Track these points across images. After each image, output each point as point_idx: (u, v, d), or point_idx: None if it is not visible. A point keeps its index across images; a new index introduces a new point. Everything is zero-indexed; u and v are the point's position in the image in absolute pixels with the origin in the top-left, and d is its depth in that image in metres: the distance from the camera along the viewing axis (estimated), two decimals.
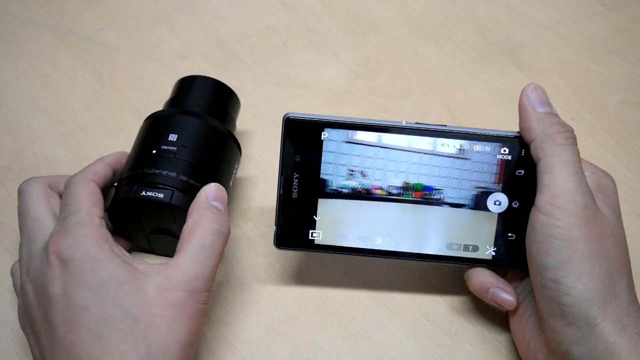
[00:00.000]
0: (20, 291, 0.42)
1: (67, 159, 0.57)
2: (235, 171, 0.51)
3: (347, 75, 0.65)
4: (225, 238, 0.42)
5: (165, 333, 0.38)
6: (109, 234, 0.41)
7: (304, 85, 0.64)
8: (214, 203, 0.43)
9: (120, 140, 0.58)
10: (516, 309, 0.45)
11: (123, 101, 0.61)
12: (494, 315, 0.48)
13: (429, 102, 0.63)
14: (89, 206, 0.41)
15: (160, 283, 0.39)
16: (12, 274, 0.44)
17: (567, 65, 0.66)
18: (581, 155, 0.45)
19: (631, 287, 0.40)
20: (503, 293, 0.44)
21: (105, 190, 0.45)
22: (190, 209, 0.43)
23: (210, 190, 0.43)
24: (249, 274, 0.50)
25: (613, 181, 0.44)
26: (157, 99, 0.56)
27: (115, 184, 0.48)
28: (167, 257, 0.50)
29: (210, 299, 0.49)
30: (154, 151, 0.46)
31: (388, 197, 0.45)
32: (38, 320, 0.39)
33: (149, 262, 0.40)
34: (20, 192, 0.45)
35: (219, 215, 0.42)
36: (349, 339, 0.47)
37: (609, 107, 0.62)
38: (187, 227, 0.41)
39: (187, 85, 0.53)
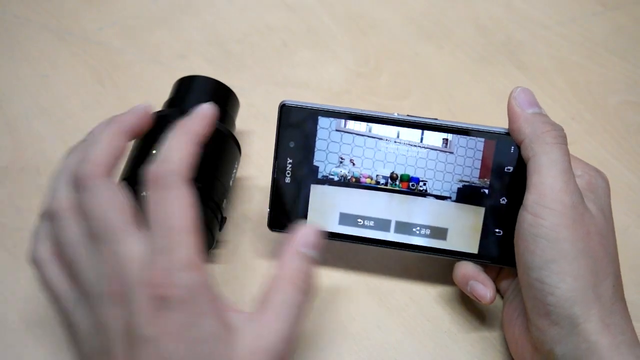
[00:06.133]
0: (64, 300, 0.36)
1: None
2: (235, 171, 0.51)
3: (347, 75, 0.65)
4: (311, 297, 0.37)
5: None
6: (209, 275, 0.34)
7: (304, 85, 0.64)
8: (309, 252, 0.37)
9: None
10: (508, 308, 0.45)
11: (123, 101, 0.61)
12: (493, 315, 0.48)
13: (429, 102, 0.63)
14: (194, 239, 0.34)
15: (252, 343, 0.34)
16: (38, 262, 0.37)
17: (567, 65, 0.66)
18: (581, 155, 0.45)
19: (617, 287, 0.40)
20: (480, 286, 0.44)
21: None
22: (282, 254, 0.37)
23: (305, 235, 0.38)
24: (249, 274, 0.50)
25: (606, 180, 0.44)
26: (157, 99, 0.56)
27: None
28: None
29: None
30: (154, 151, 0.46)
31: (376, 186, 0.46)
32: (118, 354, 0.34)
33: (236, 310, 0.35)
34: (89, 190, 0.36)
35: (308, 270, 0.37)
36: (349, 339, 0.47)
37: (609, 107, 0.62)
38: (276, 276, 0.36)
39: (186, 85, 0.53)
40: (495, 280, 0.47)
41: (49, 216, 0.37)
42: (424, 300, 0.49)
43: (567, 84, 0.64)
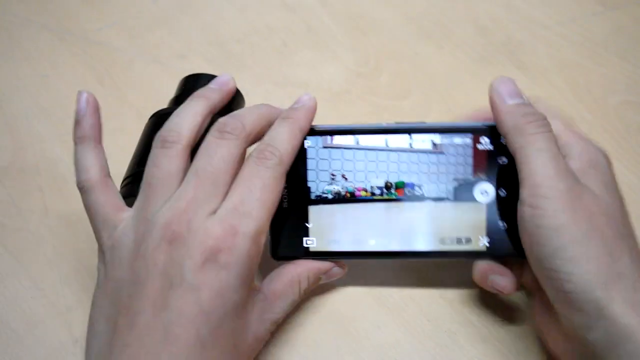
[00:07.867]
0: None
1: (67, 159, 0.57)
2: None
3: (347, 75, 0.65)
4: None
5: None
6: None
7: (304, 85, 0.64)
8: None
9: (120, 140, 0.58)
10: (538, 301, 0.44)
11: (123, 101, 0.61)
12: (494, 315, 0.48)
13: (429, 102, 0.63)
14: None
15: (256, 324, 0.42)
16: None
17: (567, 65, 0.66)
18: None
19: (637, 262, 0.39)
20: (499, 277, 0.44)
21: None
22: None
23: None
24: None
25: (606, 156, 0.43)
26: (157, 99, 0.56)
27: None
28: None
29: None
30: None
31: (372, 198, 0.46)
32: None
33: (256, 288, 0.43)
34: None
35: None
36: (349, 339, 0.47)
37: (609, 107, 0.62)
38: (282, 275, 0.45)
39: (191, 83, 0.53)
40: (522, 276, 0.46)
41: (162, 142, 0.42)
42: (424, 300, 0.49)
43: (567, 84, 0.64)
